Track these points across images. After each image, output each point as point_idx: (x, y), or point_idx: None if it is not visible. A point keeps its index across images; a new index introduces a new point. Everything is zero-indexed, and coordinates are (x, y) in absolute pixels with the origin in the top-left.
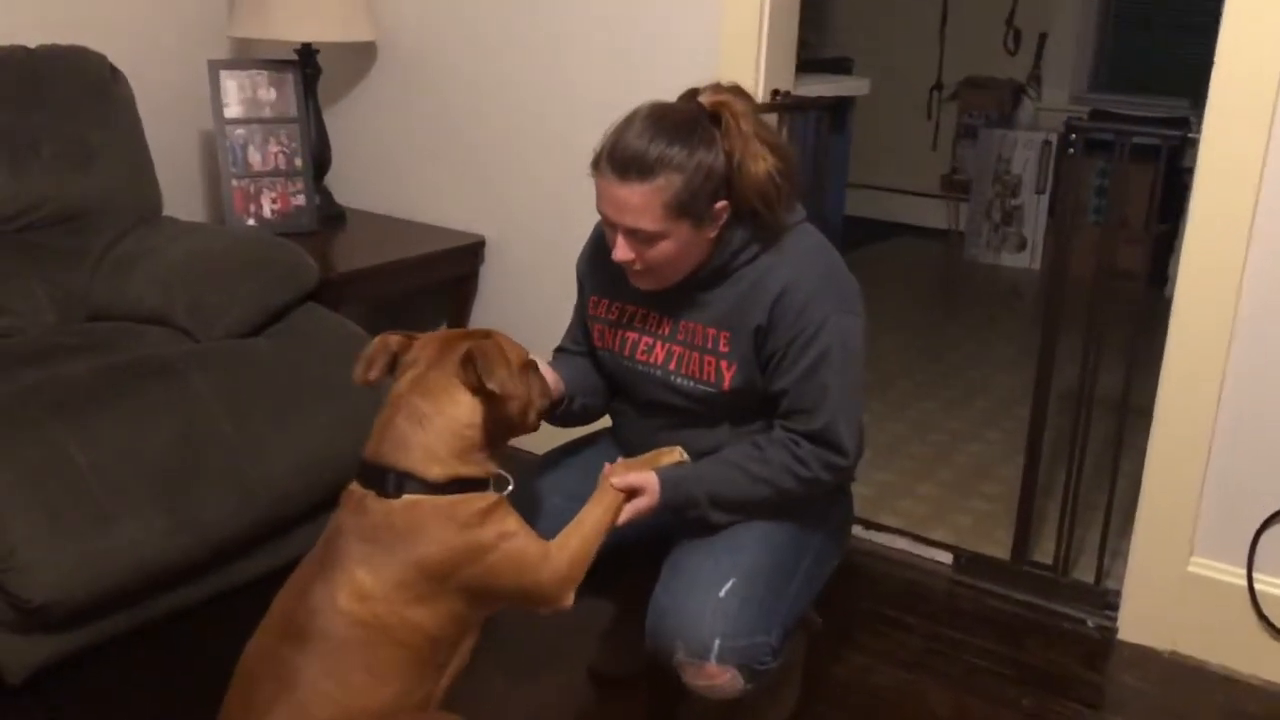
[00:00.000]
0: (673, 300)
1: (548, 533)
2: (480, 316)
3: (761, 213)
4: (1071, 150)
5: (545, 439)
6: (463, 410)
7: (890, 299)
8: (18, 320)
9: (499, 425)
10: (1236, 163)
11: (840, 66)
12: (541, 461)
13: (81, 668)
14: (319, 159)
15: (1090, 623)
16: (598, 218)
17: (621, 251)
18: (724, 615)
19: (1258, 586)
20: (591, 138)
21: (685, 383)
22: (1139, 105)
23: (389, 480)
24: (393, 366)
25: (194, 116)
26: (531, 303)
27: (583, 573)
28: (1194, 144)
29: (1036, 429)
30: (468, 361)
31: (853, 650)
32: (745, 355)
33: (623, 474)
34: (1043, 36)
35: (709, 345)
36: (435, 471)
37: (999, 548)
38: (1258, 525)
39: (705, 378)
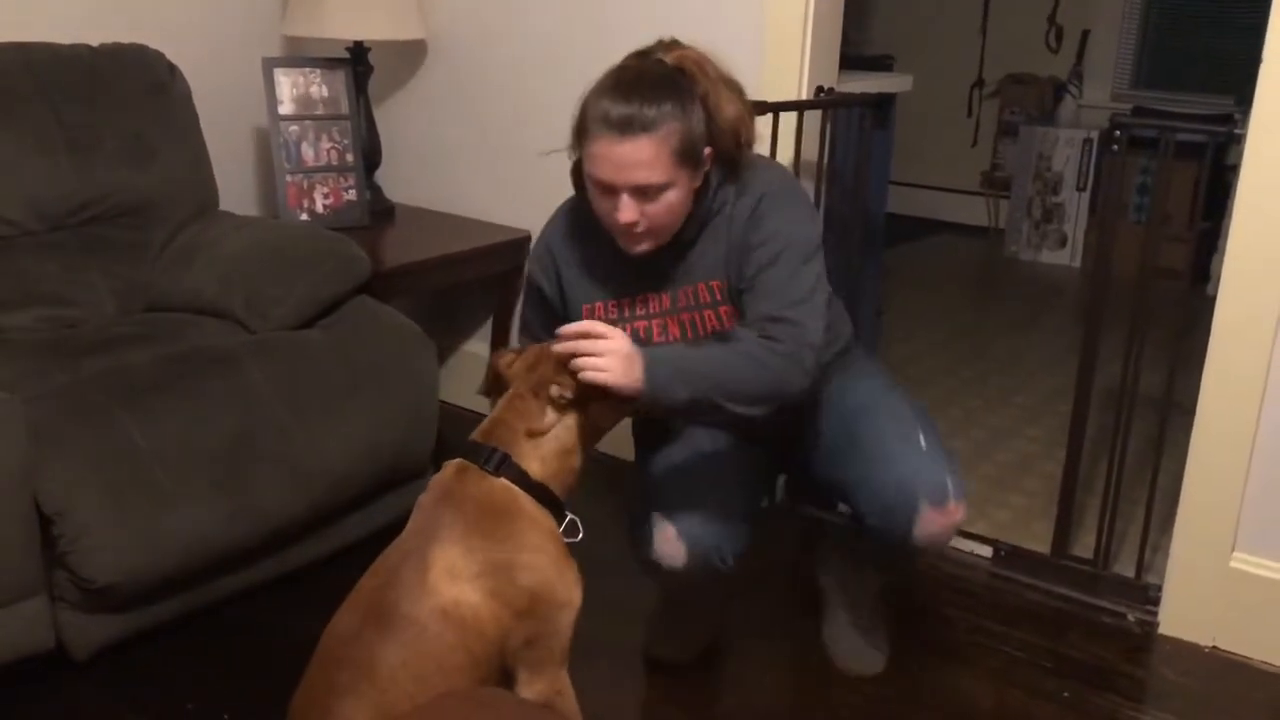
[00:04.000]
0: (664, 272)
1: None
2: None
3: (733, 154)
4: (1115, 147)
5: None
6: (551, 421)
7: (931, 296)
8: (81, 311)
9: (588, 434)
10: None
11: (882, 64)
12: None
13: (143, 647)
14: (369, 155)
15: (1130, 617)
16: None
17: (628, 212)
18: (939, 459)
19: None
20: None
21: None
22: (1182, 102)
23: (494, 457)
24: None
25: (249, 113)
26: None
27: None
28: (1239, 141)
29: (1078, 425)
30: (538, 385)
31: (893, 641)
32: (735, 289)
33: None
34: (1085, 33)
35: (708, 299)
36: (532, 467)
37: (1039, 542)
38: None
39: (712, 330)
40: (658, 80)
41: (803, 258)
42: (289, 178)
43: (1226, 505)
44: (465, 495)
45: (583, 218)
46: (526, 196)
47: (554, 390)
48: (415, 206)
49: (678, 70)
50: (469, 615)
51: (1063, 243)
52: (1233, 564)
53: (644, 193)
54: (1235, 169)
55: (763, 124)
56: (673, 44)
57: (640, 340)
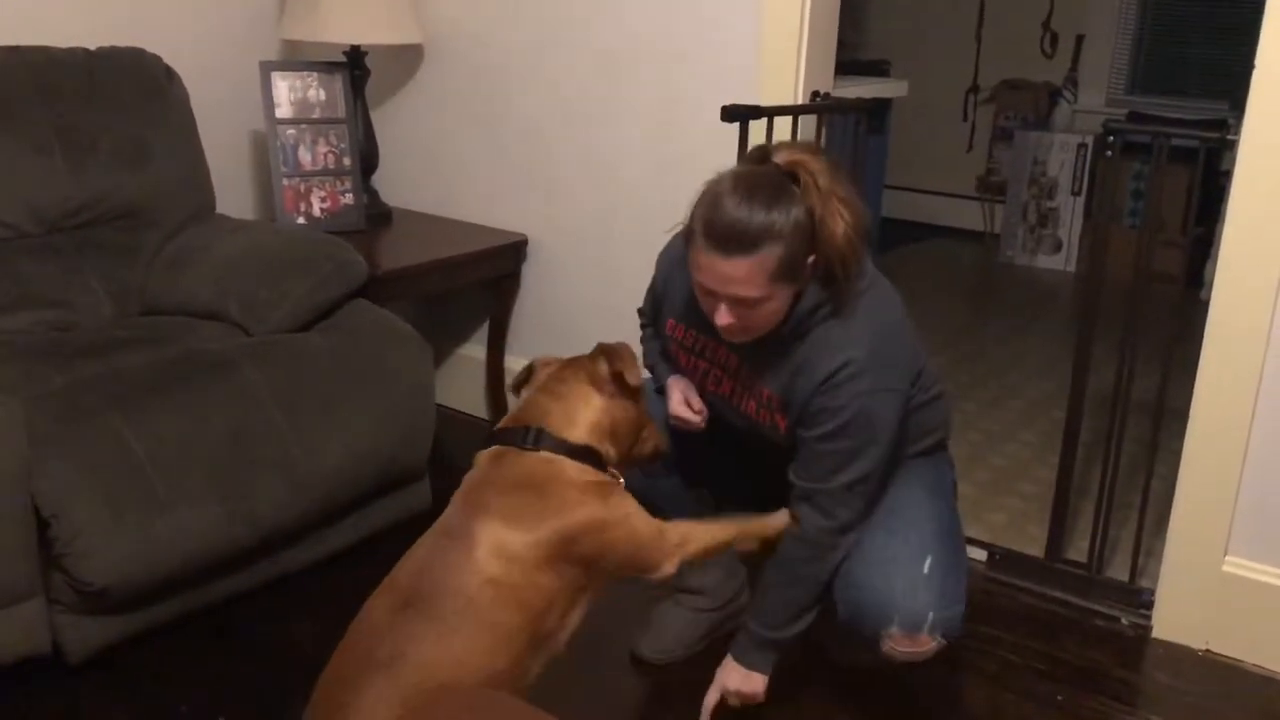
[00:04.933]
0: (742, 344)
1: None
2: (522, 314)
3: (837, 274)
4: (1109, 152)
5: None
6: (594, 399)
7: (925, 301)
8: (77, 314)
9: (619, 430)
10: (1276, 165)
11: (878, 69)
12: None
13: (139, 649)
14: (366, 159)
15: (1124, 620)
16: (638, 219)
17: (724, 318)
18: (933, 590)
19: None
20: (632, 137)
21: (745, 422)
22: (1176, 108)
23: (529, 434)
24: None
25: (246, 117)
26: (572, 301)
27: (690, 554)
28: (1232, 146)
29: (1072, 429)
30: (598, 354)
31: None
32: (793, 421)
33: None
34: (1079, 39)
35: (764, 400)
36: (572, 434)
37: (1033, 545)
38: None
39: (761, 421)
40: (768, 189)
41: (857, 449)
42: (286, 181)
43: (1220, 509)
44: (504, 476)
45: None
46: (522, 200)
47: (604, 373)
48: (412, 210)
49: (790, 176)
50: (522, 581)
51: (1058, 247)
52: (1226, 568)
53: (743, 303)
54: (1229, 174)
55: (757, 129)
56: (793, 145)
57: (694, 380)
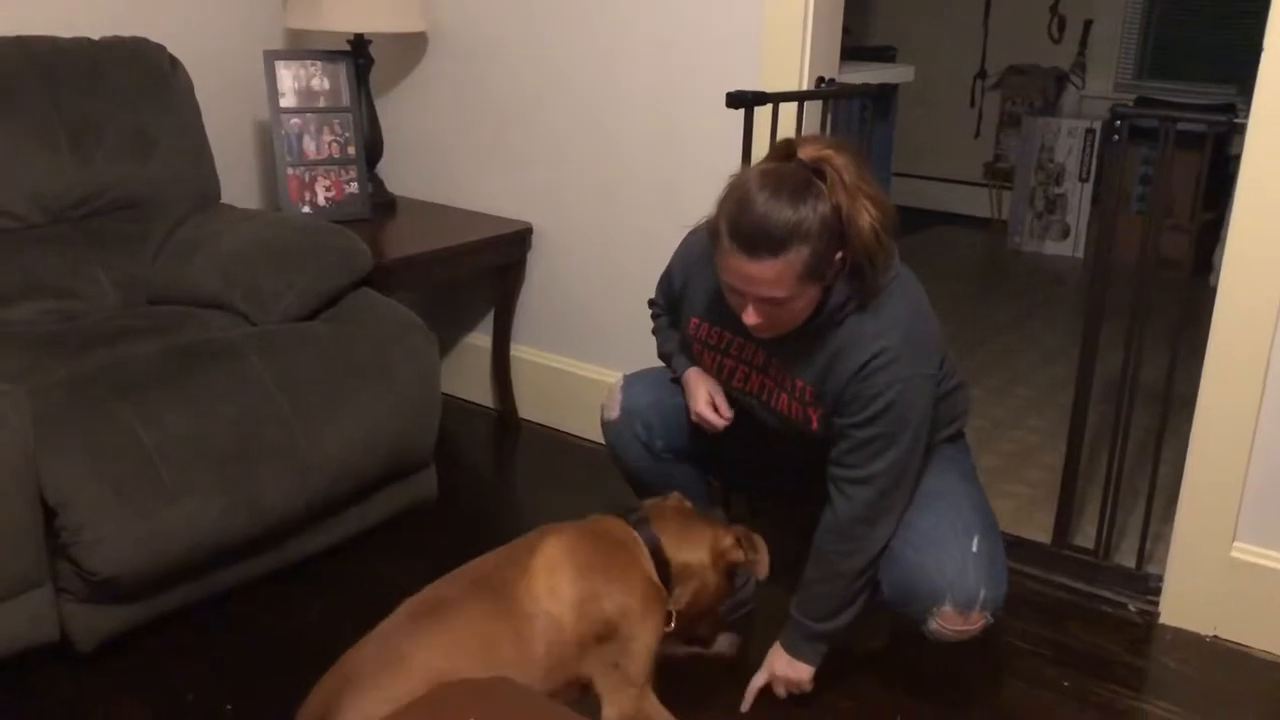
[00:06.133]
0: (770, 339)
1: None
2: (527, 301)
3: (865, 268)
4: (1116, 137)
5: None
6: (702, 551)
7: (933, 288)
8: (83, 304)
9: (699, 593)
10: None
11: (884, 55)
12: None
13: (147, 638)
14: (371, 148)
15: (1131, 607)
16: (643, 206)
17: (752, 317)
18: (982, 568)
19: None
20: (637, 124)
21: (777, 418)
22: (1185, 92)
23: (637, 514)
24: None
25: (250, 106)
26: (577, 290)
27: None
28: (1241, 130)
29: (1079, 415)
30: (735, 531)
31: (894, 630)
32: (827, 409)
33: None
34: (1087, 24)
35: (796, 393)
36: (668, 548)
37: (1040, 532)
38: None
39: (794, 416)
40: (793, 187)
41: (892, 434)
42: (290, 170)
43: (1227, 495)
44: (595, 526)
45: None
46: (527, 189)
47: (731, 546)
48: (417, 199)
49: (815, 172)
50: (553, 613)
51: (1065, 234)
52: (1233, 554)
53: (770, 302)
54: (1237, 159)
55: (762, 115)
56: (818, 140)
57: (721, 378)
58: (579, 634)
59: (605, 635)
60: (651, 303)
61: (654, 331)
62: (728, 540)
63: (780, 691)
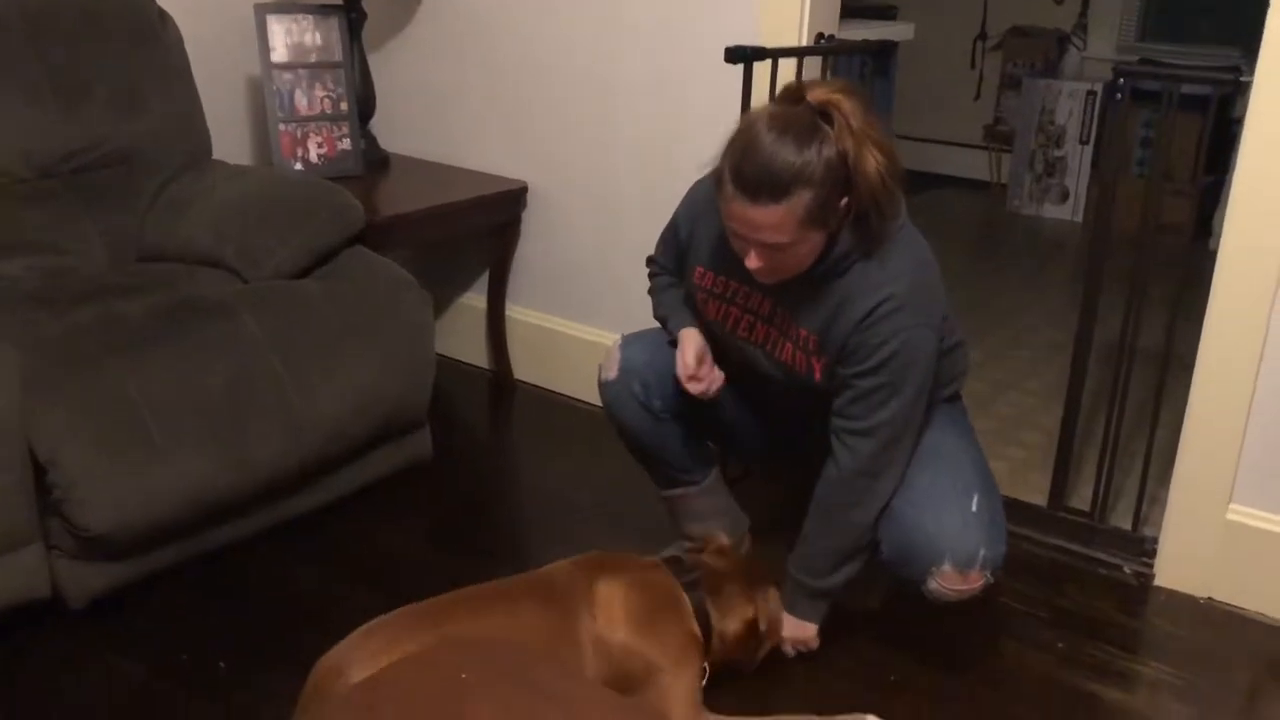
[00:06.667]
0: (775, 286)
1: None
2: (522, 261)
3: (871, 216)
4: (1119, 96)
5: None
6: (735, 623)
7: (931, 250)
8: (72, 260)
9: (738, 645)
10: None
11: (884, 13)
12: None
13: (139, 595)
14: (364, 104)
15: (1127, 568)
16: (638, 164)
17: (754, 261)
18: (982, 527)
19: None
20: (633, 81)
21: (780, 369)
22: (1187, 55)
23: (689, 571)
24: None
25: (241, 61)
26: (572, 248)
27: None
28: (1244, 92)
29: (1077, 377)
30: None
31: (890, 591)
32: (831, 359)
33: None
34: None
35: (799, 341)
36: (714, 611)
37: (1036, 494)
38: None
39: (797, 366)
40: (798, 132)
41: (895, 384)
42: (282, 126)
43: (1224, 458)
44: (649, 575)
45: None
46: (522, 147)
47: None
48: (410, 156)
49: (822, 115)
50: (594, 640)
51: (1065, 197)
52: (1229, 516)
53: (772, 247)
54: (1240, 122)
55: (761, 70)
56: (827, 84)
57: (725, 328)
58: (623, 672)
59: (643, 682)
60: (650, 260)
61: (650, 291)
62: (762, 618)
63: (789, 650)
